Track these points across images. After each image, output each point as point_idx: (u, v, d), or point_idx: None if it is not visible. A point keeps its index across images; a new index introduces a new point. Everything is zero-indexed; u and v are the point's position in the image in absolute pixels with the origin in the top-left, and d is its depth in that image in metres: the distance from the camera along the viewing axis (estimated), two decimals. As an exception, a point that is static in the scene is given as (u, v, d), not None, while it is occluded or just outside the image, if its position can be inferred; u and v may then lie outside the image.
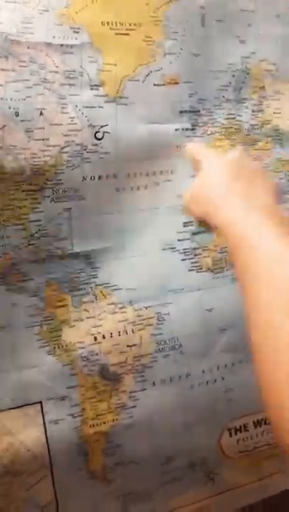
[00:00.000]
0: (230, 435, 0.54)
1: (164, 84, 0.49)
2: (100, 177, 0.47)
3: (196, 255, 0.51)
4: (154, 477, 0.51)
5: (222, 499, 0.55)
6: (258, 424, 0.55)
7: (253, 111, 0.52)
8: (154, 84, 0.48)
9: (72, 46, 0.45)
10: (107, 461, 0.49)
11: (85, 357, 0.47)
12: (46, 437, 0.46)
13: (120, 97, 0.47)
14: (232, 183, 0.38)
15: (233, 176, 0.39)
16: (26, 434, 0.45)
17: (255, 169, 0.41)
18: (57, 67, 0.45)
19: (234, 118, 0.52)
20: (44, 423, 0.46)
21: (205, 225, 0.40)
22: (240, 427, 0.54)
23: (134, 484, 0.50)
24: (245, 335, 0.52)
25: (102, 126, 0.47)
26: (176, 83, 0.50)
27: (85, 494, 0.48)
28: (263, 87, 0.52)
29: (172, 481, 0.52)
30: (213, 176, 0.40)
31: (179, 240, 0.50)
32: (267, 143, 0.53)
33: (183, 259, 0.50)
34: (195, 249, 0.51)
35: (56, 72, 0.45)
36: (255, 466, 0.56)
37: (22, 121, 0.43)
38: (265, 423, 0.55)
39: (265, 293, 0.29)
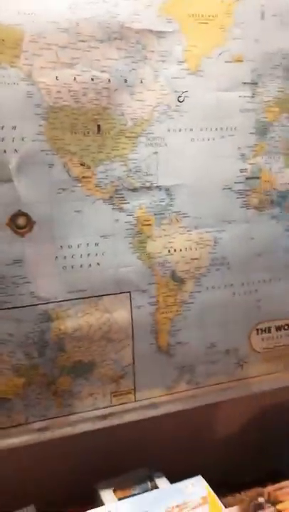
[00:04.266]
0: (257, 334, 0.73)
1: (232, 62, 0.65)
2: (179, 130, 0.64)
3: (247, 195, 0.68)
4: (202, 356, 0.71)
5: (247, 383, 0.75)
6: (278, 328, 0.74)
7: (297, 86, 0.69)
8: (225, 62, 0.65)
9: (166, 32, 0.62)
10: (171, 340, 0.68)
11: (161, 263, 0.66)
12: (132, 317, 0.65)
13: (198, 71, 0.64)
14: None
15: None
16: (118, 313, 0.65)
17: None
18: (154, 47, 0.62)
19: (283, 91, 0.68)
20: (131, 307, 0.65)
21: None
22: (265, 328, 0.74)
23: (187, 360, 0.70)
24: (275, 260, 0.71)
25: (183, 92, 0.64)
26: (241, 61, 0.66)
27: (154, 361, 0.68)
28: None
29: (213, 362, 0.72)
30: None
31: (235, 183, 0.67)
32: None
33: (237, 198, 0.68)
34: (246, 190, 0.68)
35: (153, 51, 0.62)
36: (275, 360, 0.75)
37: (128, 86, 0.61)
38: (284, 329, 0.75)
39: None
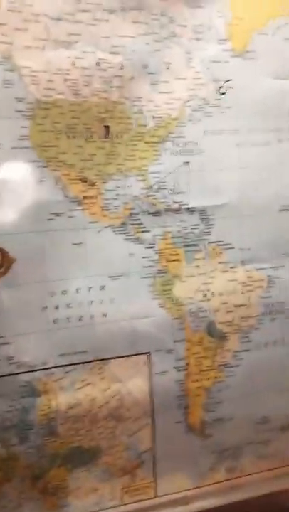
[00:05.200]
0: None
1: None
2: (220, 131, 0.48)
3: (313, 219, 0.50)
4: (249, 436, 0.53)
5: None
6: None
7: None
8: (284, 39, 0.48)
9: (202, 0, 0.46)
10: (206, 416, 0.51)
11: (193, 312, 0.49)
12: (151, 387, 0.49)
13: (247, 52, 0.47)
14: None
15: None
16: (133, 382, 0.48)
17: None
18: (186, 21, 0.46)
19: None
20: (150, 373, 0.48)
21: None
22: None
23: (229, 440, 0.53)
24: None
25: (226, 81, 0.47)
26: (307, 37, 0.49)
27: (182, 446, 0.50)
28: None
29: (264, 442, 0.54)
30: None
31: (297, 202, 0.50)
32: None
33: (300, 222, 0.50)
34: (313, 213, 0.50)
35: (185, 26, 0.46)
36: None
37: (149, 73, 0.45)
38: None
39: None
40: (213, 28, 0.47)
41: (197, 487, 0.53)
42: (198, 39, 0.46)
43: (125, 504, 0.51)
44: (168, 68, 0.46)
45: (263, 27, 0.48)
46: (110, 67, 0.44)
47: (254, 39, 0.48)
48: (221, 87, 0.48)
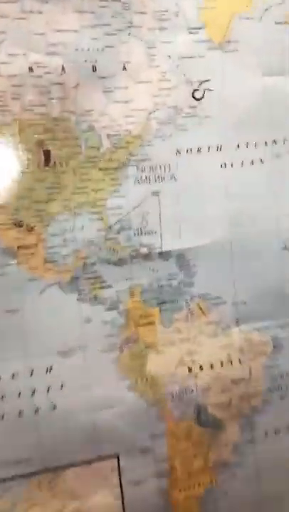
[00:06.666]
0: None
1: (285, 23, 0.45)
2: (198, 149, 0.44)
3: None
4: None
5: None
6: None
7: None
8: (275, 23, 0.45)
9: (165, -22, 0.49)
10: (201, 538, 0.50)
11: (176, 395, 0.45)
12: (123, 503, 0.44)
13: (228, 42, 0.44)
14: None
15: None
16: (98, 498, 0.43)
17: None
18: (145, 6, 0.42)
19: None
20: (120, 484, 0.44)
21: None
22: None
23: None
24: None
25: (202, 82, 0.44)
26: (301, 21, 0.53)
27: None
28: None
29: None
30: None
31: (305, 238, 0.53)
32: None
33: (310, 264, 0.53)
34: None
35: (144, 13, 0.42)
36: None
37: (100, 78, 0.41)
38: None
39: None
40: (182, 14, 0.43)
41: None
42: (162, 29, 0.43)
43: None
44: (125, 69, 0.42)
45: (247, 9, 0.44)
46: (47, 73, 0.40)
47: (236, 25, 0.44)
48: (196, 91, 0.44)
